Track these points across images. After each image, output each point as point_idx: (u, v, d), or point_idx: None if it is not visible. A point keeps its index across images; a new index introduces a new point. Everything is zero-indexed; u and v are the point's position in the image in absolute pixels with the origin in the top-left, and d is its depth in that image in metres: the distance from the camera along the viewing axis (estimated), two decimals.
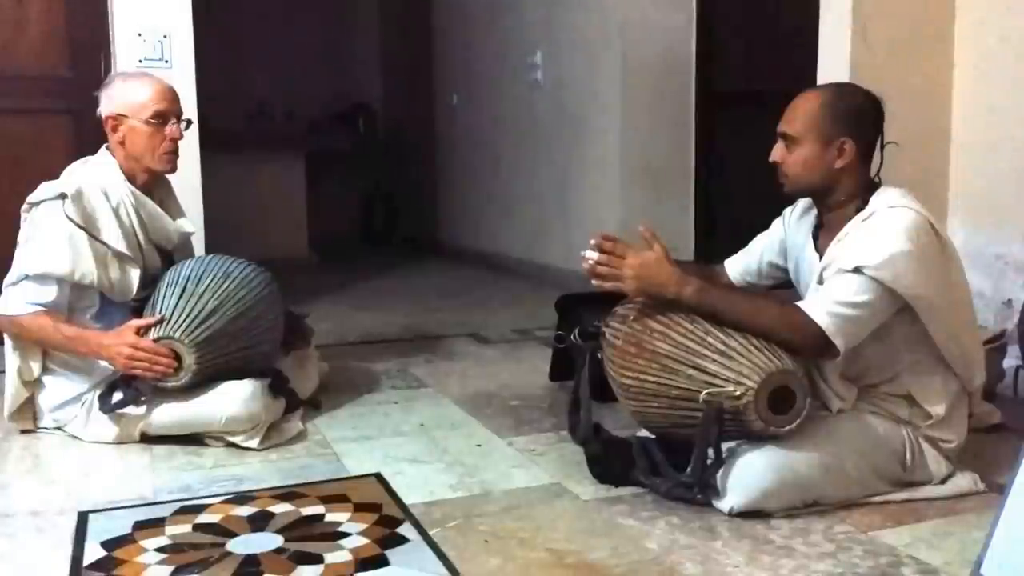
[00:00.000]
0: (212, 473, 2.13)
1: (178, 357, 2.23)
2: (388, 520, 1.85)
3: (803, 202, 2.10)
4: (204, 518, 1.86)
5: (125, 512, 1.90)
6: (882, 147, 1.97)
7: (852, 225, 1.89)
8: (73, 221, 2.27)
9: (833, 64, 2.91)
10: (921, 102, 2.97)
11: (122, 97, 2.39)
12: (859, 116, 1.92)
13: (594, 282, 1.97)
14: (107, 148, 2.43)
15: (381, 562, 1.67)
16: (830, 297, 1.83)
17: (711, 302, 1.90)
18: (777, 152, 1.97)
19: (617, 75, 4.29)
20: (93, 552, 1.72)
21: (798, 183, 1.97)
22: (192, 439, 2.30)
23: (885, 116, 1.95)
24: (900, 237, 1.82)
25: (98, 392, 2.31)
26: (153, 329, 2.23)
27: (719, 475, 1.85)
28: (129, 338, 2.22)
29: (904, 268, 1.81)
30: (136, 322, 2.25)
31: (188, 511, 1.90)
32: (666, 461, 1.93)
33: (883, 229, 1.84)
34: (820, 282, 1.91)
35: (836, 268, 1.86)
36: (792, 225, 2.13)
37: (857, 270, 1.81)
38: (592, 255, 1.95)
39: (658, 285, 1.91)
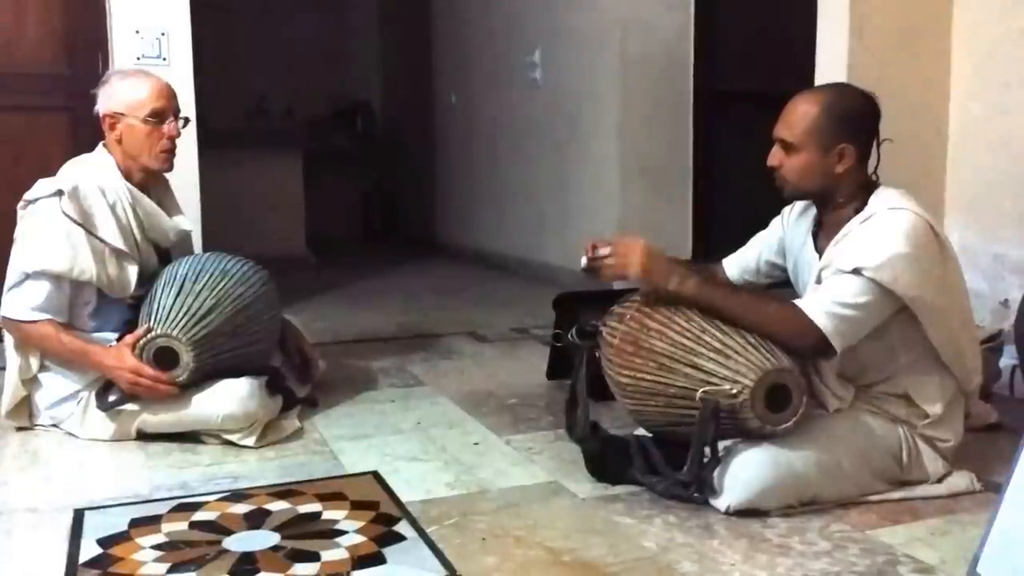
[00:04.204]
0: (209, 471, 2.13)
1: (175, 355, 2.23)
2: (385, 518, 1.84)
3: (801, 201, 2.10)
4: (200, 516, 1.86)
5: (121, 509, 1.90)
6: (878, 145, 1.97)
7: (851, 226, 1.89)
8: (70, 218, 2.26)
9: (830, 64, 2.91)
10: (918, 102, 2.98)
11: (119, 95, 2.38)
12: (857, 120, 1.92)
13: (604, 266, 1.97)
14: (104, 146, 2.43)
15: (378, 560, 1.66)
16: (829, 297, 1.83)
17: (711, 297, 1.90)
18: (775, 157, 1.96)
19: (616, 74, 4.29)
20: (89, 549, 1.72)
21: (797, 188, 1.97)
22: (189, 437, 2.30)
23: (882, 115, 1.95)
24: (899, 239, 1.82)
25: (94, 390, 2.31)
26: (151, 327, 2.23)
27: (716, 473, 1.85)
28: (129, 362, 2.21)
29: (903, 270, 1.81)
30: (130, 339, 2.24)
31: (184, 509, 1.90)
32: (663, 459, 1.93)
33: (882, 231, 1.84)
34: (819, 282, 1.92)
35: (835, 269, 1.86)
36: (791, 224, 2.13)
37: (856, 271, 1.81)
38: (604, 250, 1.96)
39: (662, 273, 1.92)
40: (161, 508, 1.90)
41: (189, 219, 2.62)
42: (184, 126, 2.46)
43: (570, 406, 2.15)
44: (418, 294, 4.60)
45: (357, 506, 1.90)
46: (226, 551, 1.70)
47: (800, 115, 1.92)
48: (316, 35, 6.83)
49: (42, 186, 2.32)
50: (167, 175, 2.53)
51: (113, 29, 3.32)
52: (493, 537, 1.76)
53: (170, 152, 2.42)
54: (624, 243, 1.96)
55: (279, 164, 5.74)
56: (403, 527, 1.80)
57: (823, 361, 1.92)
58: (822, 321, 1.82)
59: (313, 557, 1.67)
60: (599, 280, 2.22)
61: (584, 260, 2.13)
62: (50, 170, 2.41)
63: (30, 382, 2.37)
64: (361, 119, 6.95)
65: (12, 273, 2.31)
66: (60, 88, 3.36)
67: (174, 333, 2.22)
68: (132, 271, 2.35)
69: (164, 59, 3.34)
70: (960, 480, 1.96)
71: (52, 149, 3.19)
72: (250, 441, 2.27)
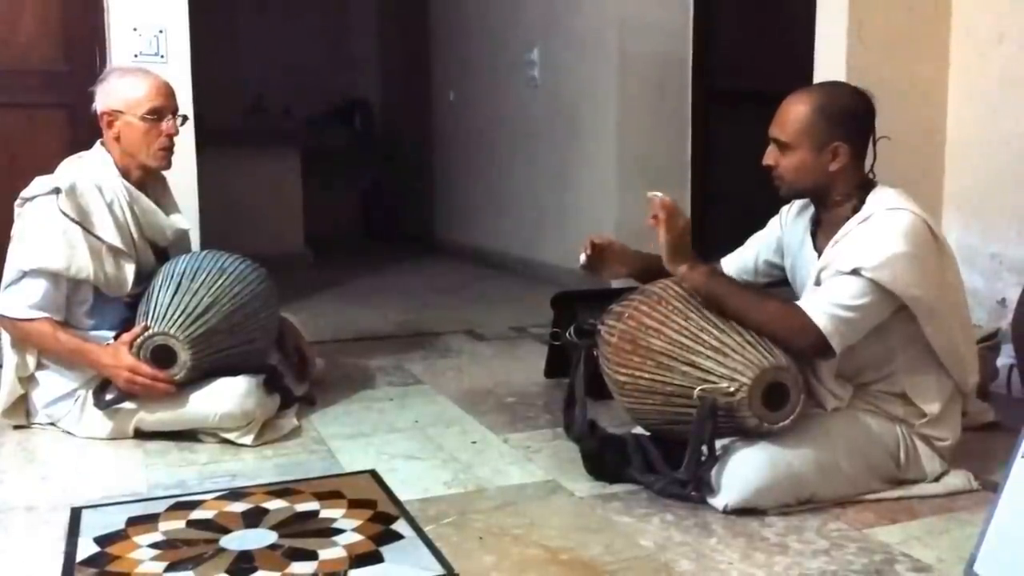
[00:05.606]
0: (206, 469, 2.13)
1: (172, 353, 2.23)
2: (382, 517, 1.84)
3: (800, 200, 2.10)
4: (198, 514, 1.86)
5: (118, 508, 1.90)
6: (874, 143, 1.97)
7: (849, 226, 1.89)
8: (67, 216, 2.26)
9: (829, 62, 2.91)
10: (916, 100, 2.98)
11: (118, 93, 2.38)
12: (851, 118, 1.92)
13: (652, 197, 1.95)
14: (102, 143, 2.43)
15: (375, 558, 1.66)
16: (828, 299, 1.84)
17: (717, 288, 1.91)
18: (770, 156, 1.97)
19: (614, 73, 4.29)
20: (86, 548, 1.72)
21: (793, 186, 1.98)
22: (186, 435, 2.30)
23: (879, 113, 1.95)
24: (898, 239, 1.82)
25: (92, 388, 2.30)
26: (148, 325, 2.23)
27: (713, 472, 1.85)
28: (127, 360, 2.21)
29: (902, 270, 1.81)
30: (127, 337, 2.23)
31: (182, 507, 1.89)
32: (661, 458, 1.93)
33: (881, 231, 1.84)
34: (817, 283, 1.92)
35: (834, 270, 1.86)
36: (789, 223, 2.13)
37: (855, 272, 1.82)
38: (658, 194, 1.96)
39: (684, 256, 1.92)
40: (158, 507, 1.90)
41: (187, 217, 2.62)
42: (182, 124, 2.45)
43: (568, 405, 2.15)
44: (416, 293, 4.60)
45: (355, 505, 1.90)
46: (224, 550, 1.70)
47: (793, 115, 1.93)
48: (315, 33, 6.82)
49: (39, 183, 2.32)
50: (165, 173, 2.52)
51: (111, 26, 3.31)
52: (491, 536, 1.76)
53: (168, 150, 2.41)
54: (677, 211, 1.94)
55: (277, 162, 5.72)
56: (401, 526, 1.80)
57: (821, 361, 1.92)
58: (822, 322, 1.82)
59: (311, 556, 1.67)
60: (598, 278, 2.23)
61: (583, 258, 2.14)
62: (48, 167, 2.40)
63: (27, 380, 2.36)
64: (360, 117, 6.94)
65: (9, 271, 2.31)
66: (58, 85, 3.35)
67: (171, 331, 2.22)
68: (129, 269, 2.35)
69: (162, 56, 3.33)
70: (957, 479, 1.97)
71: (50, 146, 3.18)
72: (248, 440, 2.27)
